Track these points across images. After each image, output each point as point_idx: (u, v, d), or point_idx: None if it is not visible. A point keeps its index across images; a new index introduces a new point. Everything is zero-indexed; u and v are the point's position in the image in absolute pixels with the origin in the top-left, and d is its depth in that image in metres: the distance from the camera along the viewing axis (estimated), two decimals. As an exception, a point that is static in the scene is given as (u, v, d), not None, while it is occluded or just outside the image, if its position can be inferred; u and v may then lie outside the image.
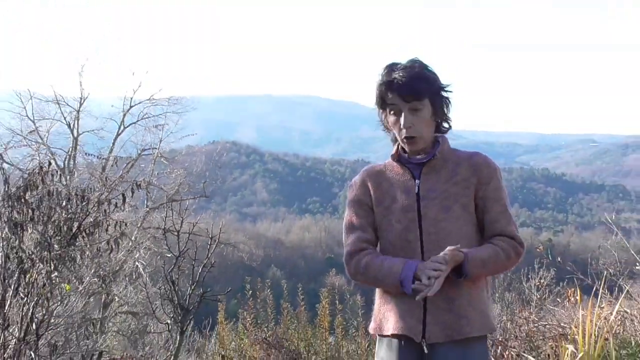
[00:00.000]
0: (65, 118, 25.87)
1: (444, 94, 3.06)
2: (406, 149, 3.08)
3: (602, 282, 6.59)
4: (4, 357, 5.63)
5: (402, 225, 3.04)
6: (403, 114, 2.95)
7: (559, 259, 7.97)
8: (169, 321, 6.82)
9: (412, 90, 2.92)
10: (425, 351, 2.98)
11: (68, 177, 6.12)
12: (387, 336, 3.08)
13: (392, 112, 3.01)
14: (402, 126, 2.97)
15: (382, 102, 3.04)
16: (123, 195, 6.37)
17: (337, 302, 7.39)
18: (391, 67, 3.00)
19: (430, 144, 3.07)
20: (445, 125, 3.12)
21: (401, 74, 2.93)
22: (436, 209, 2.99)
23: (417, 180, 3.05)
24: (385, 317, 3.11)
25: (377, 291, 3.21)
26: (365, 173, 3.22)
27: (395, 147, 3.12)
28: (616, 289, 7.62)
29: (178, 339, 6.30)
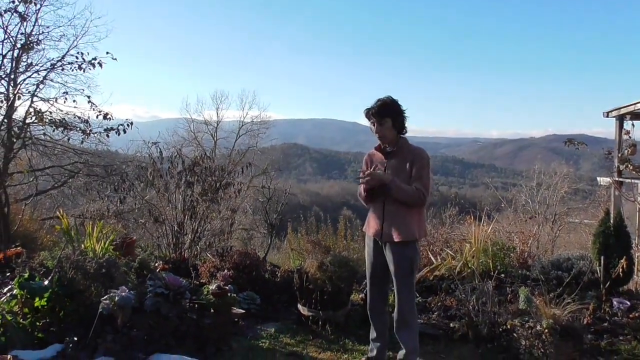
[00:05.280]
0: (210, 131, 29.92)
1: (401, 115, 3.39)
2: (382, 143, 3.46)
3: (484, 213, 6.66)
4: (185, 248, 6.16)
5: None
6: (376, 125, 3.38)
7: (461, 201, 8.31)
8: (264, 232, 7.03)
9: (379, 114, 3.35)
10: (380, 244, 3.43)
11: (213, 161, 6.56)
12: (368, 235, 3.54)
13: (372, 124, 3.41)
14: (375, 132, 3.39)
15: (368, 120, 3.43)
16: (242, 169, 6.61)
17: (347, 223, 7.55)
18: (377, 100, 3.39)
19: (395, 140, 3.40)
20: (403, 131, 3.44)
21: (376, 105, 3.36)
22: (392, 174, 3.34)
23: (386, 160, 3.43)
24: (368, 224, 3.53)
25: (369, 212, 3.57)
26: (368, 154, 3.60)
27: (379, 143, 3.49)
28: (492, 216, 7.93)
29: (269, 241, 6.53)
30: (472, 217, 6.69)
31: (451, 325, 4.22)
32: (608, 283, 5.00)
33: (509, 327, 3.75)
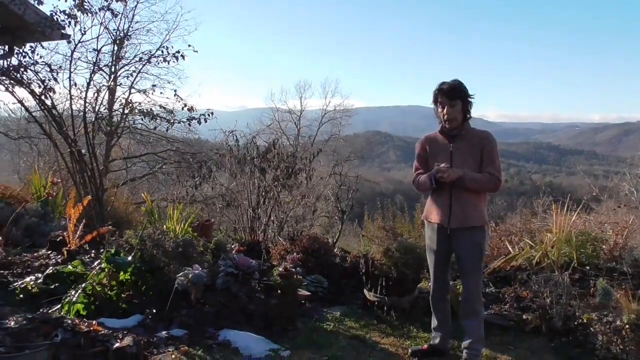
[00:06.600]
0: (293, 120, 31.60)
1: (469, 99, 3.32)
2: (446, 127, 3.36)
3: (568, 201, 6.13)
4: (258, 232, 6.39)
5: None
6: (446, 107, 3.31)
7: (549, 189, 7.83)
8: (336, 217, 7.09)
9: (450, 95, 3.28)
10: (448, 232, 3.33)
11: (296, 148, 6.69)
12: (430, 222, 3.46)
13: (440, 105, 3.34)
14: (445, 113, 3.31)
15: (436, 100, 3.36)
16: (313, 155, 6.64)
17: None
18: (442, 84, 3.32)
19: (461, 124, 3.33)
20: (469, 115, 3.36)
21: (446, 87, 3.29)
22: (460, 160, 3.29)
23: (451, 145, 3.36)
24: (430, 211, 3.47)
25: (427, 199, 3.56)
26: (425, 138, 3.55)
27: (441, 126, 3.42)
28: (588, 207, 7.44)
29: (340, 227, 6.69)
30: (554, 207, 6.21)
31: (524, 317, 4.04)
32: None
33: (585, 321, 3.51)
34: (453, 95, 3.27)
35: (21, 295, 3.83)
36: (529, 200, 10.09)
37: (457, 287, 4.20)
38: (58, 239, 5.29)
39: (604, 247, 6.07)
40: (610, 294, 3.65)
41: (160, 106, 7.49)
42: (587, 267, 5.33)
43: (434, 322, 3.58)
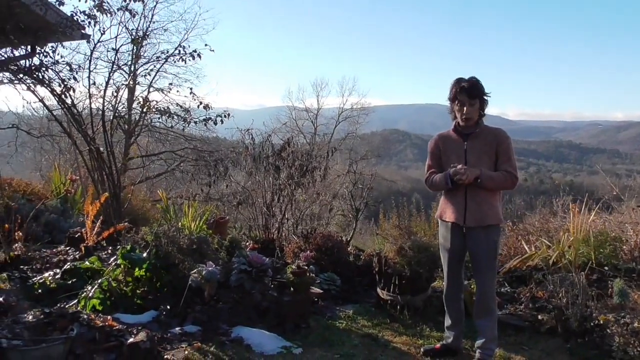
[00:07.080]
0: (310, 118, 31.45)
1: (485, 97, 3.27)
2: (461, 125, 3.31)
3: (587, 200, 5.90)
4: (272, 230, 6.39)
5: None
6: (465, 106, 3.24)
7: (566, 188, 7.67)
8: (351, 216, 7.05)
9: (470, 94, 3.22)
10: (464, 231, 3.29)
11: (312, 147, 6.69)
12: (445, 221, 3.41)
13: (458, 104, 3.27)
14: (464, 112, 3.24)
15: (454, 98, 3.28)
16: (327, 153, 6.58)
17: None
18: (461, 79, 3.26)
19: (475, 122, 3.30)
20: (483, 113, 3.31)
21: (466, 85, 3.22)
22: (474, 158, 3.25)
23: (465, 143, 3.31)
24: (444, 210, 3.41)
25: (441, 198, 3.52)
26: (438, 136, 3.50)
27: (454, 123, 3.36)
28: (609, 207, 7.29)
29: (354, 225, 6.63)
30: (571, 206, 6.10)
31: (539, 317, 3.97)
32: None
33: (601, 322, 3.44)
34: (473, 94, 3.23)
35: (40, 290, 3.91)
36: (548, 200, 9.89)
37: (471, 286, 4.15)
38: (76, 236, 5.38)
39: (624, 247, 5.94)
40: (627, 294, 3.57)
41: (177, 104, 7.60)
42: (606, 268, 5.21)
43: (447, 321, 3.55)
